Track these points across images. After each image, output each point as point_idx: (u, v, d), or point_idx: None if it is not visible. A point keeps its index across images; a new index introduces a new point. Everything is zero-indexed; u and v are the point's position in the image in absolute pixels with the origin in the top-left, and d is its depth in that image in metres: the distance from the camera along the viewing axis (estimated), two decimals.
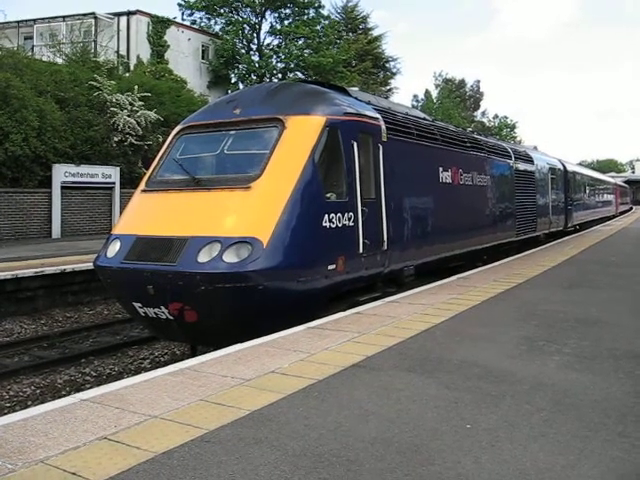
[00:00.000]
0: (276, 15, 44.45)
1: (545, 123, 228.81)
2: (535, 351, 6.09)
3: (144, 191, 9.24)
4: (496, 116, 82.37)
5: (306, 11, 44.21)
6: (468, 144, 14.36)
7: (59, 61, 29.05)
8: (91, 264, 9.25)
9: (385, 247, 9.73)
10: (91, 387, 7.81)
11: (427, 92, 72.51)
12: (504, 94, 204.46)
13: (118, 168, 24.25)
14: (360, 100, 10.38)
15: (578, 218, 28.32)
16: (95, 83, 24.72)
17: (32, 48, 34.53)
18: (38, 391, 8.91)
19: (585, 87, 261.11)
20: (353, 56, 48.92)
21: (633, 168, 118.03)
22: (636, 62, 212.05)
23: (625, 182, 71.68)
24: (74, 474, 3.34)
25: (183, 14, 44.01)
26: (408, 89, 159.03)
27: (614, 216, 46.00)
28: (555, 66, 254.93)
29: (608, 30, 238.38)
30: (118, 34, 35.57)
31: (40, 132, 21.11)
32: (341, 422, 4.15)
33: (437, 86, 73.80)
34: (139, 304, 8.23)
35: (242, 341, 6.42)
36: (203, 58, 40.99)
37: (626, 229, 29.20)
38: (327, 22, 46.19)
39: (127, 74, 31.80)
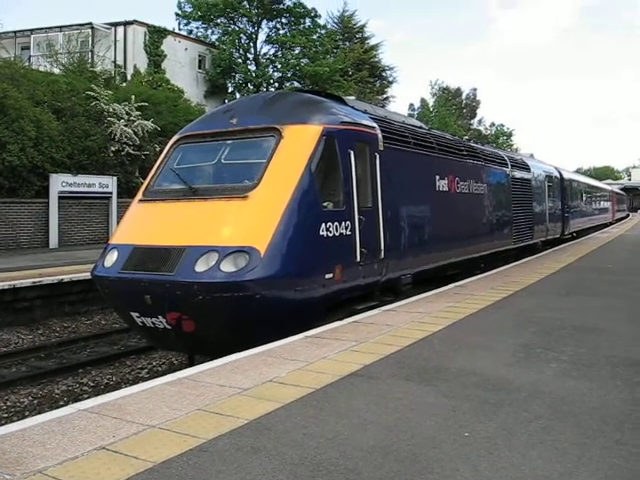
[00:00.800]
0: (272, 25, 44.61)
1: (542, 130, 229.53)
2: (532, 359, 6.09)
3: (141, 201, 9.25)
4: (493, 124, 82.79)
5: (302, 20, 44.35)
6: (465, 152, 14.40)
7: (56, 71, 29.08)
8: (88, 274, 9.26)
9: (382, 256, 9.74)
10: (89, 397, 7.79)
11: (423, 101, 72.78)
12: (501, 102, 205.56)
13: (115, 178, 24.26)
14: (357, 109, 10.41)
15: (575, 225, 28.38)
16: (92, 93, 24.75)
17: (29, 58, 34.57)
18: (36, 401, 8.88)
19: (582, 94, 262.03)
20: (349, 65, 49.08)
21: (630, 175, 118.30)
22: (634, 69, 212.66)
23: (622, 189, 71.99)
24: None
25: (180, 24, 44.23)
26: (405, 98, 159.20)
27: (611, 223, 46.13)
28: (552, 73, 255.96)
29: (606, 37, 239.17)
30: (115, 44, 35.65)
31: (37, 142, 21.13)
32: (339, 431, 4.15)
33: (434, 95, 74.00)
34: (137, 314, 8.23)
35: (240, 350, 6.42)
36: (200, 68, 41.07)
37: (623, 236, 29.26)
38: (323, 31, 46.35)
39: (124, 84, 31.84)
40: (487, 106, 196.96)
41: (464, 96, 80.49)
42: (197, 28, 44.62)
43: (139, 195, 9.42)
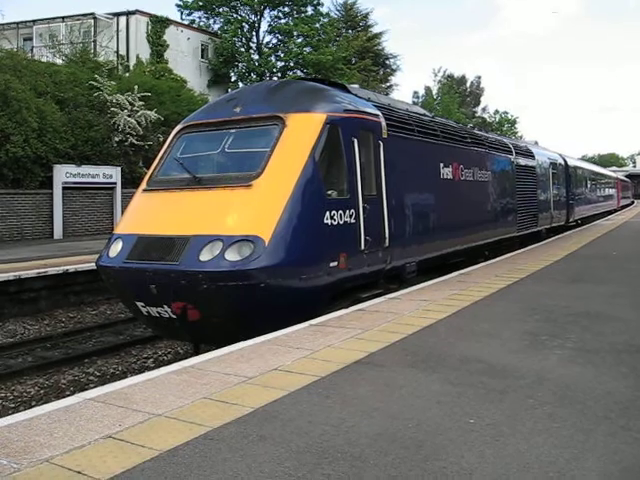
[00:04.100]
0: (275, 13, 44.41)
1: (547, 118, 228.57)
2: (538, 346, 6.09)
3: (145, 190, 9.25)
4: (497, 111, 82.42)
5: (304, 9, 44.15)
6: (469, 140, 14.35)
7: (59, 62, 29.04)
8: (93, 264, 9.27)
9: (387, 244, 9.73)
10: (95, 387, 7.82)
11: (427, 89, 72.51)
12: (506, 89, 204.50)
13: (119, 168, 24.27)
14: (360, 97, 10.38)
15: (580, 213, 28.30)
16: (95, 83, 24.73)
17: (31, 49, 34.51)
18: (42, 391, 8.93)
19: (588, 82, 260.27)
20: (353, 53, 48.90)
21: (634, 162, 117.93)
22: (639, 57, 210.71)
23: (626, 176, 71.78)
24: (79, 473, 3.35)
25: (182, 14, 44.06)
26: (409, 86, 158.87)
27: (615, 210, 45.97)
28: (558, 61, 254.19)
29: (612, 24, 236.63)
30: (117, 34, 35.54)
31: (41, 133, 21.13)
32: (345, 418, 4.16)
33: (439, 82, 73.67)
34: (142, 303, 8.25)
35: (245, 339, 6.44)
36: (203, 57, 40.94)
37: (628, 223, 29.17)
38: (326, 20, 46.13)
39: (127, 74, 31.78)
40: (492, 94, 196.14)
41: (468, 84, 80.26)
42: (199, 18, 44.56)
43: (143, 185, 9.42)
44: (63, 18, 35.74)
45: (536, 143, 27.32)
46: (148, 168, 11.02)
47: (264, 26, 44.61)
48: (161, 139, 23.79)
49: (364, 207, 9.12)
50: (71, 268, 13.69)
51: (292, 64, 43.85)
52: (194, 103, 28.12)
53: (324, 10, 46.53)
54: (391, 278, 10.31)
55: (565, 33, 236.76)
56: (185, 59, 38.61)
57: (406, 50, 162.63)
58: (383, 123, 10.13)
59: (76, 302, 13.97)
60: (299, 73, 43.23)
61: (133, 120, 24.85)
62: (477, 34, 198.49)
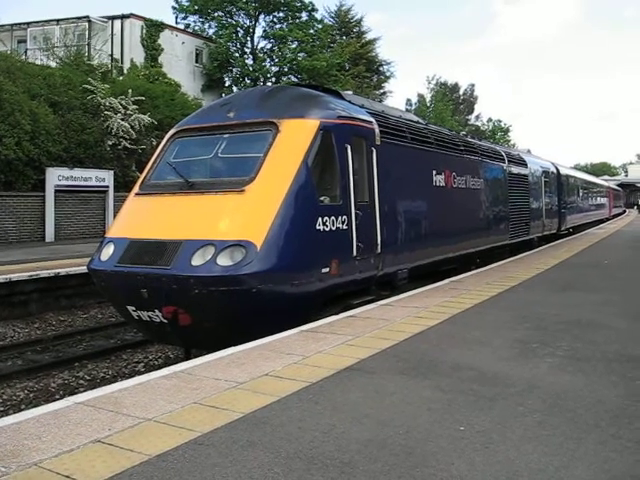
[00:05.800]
0: (269, 19, 44.49)
1: (541, 126, 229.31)
2: (528, 353, 6.10)
3: (138, 194, 9.23)
4: (490, 119, 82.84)
5: (299, 14, 44.24)
6: (462, 147, 14.40)
7: (53, 65, 29.00)
8: (85, 268, 9.25)
9: (379, 250, 9.74)
10: (85, 391, 7.78)
11: (420, 96, 72.71)
12: (503, 97, 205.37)
13: (112, 172, 24.22)
14: (354, 104, 10.40)
15: (571, 221, 28.40)
16: (89, 87, 24.71)
17: (25, 52, 34.43)
18: (32, 395, 8.87)
19: (581, 91, 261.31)
20: (347, 60, 48.98)
21: (626, 171, 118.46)
22: (634, 66, 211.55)
23: (618, 185, 72.20)
24: (68, 477, 3.34)
25: (177, 18, 44.09)
26: (404, 93, 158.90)
27: (607, 219, 46.18)
28: (552, 70, 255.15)
29: (612, 31, 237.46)
30: (112, 38, 35.46)
31: (33, 136, 21.07)
32: (335, 424, 4.16)
33: (432, 89, 73.87)
34: (133, 307, 8.22)
35: (236, 344, 6.42)
36: (197, 62, 40.96)
37: (619, 232, 29.30)
38: (321, 26, 46.24)
39: (121, 78, 31.74)
40: (488, 101, 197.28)
41: (461, 91, 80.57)
42: (194, 22, 44.60)
43: (136, 189, 9.41)
44: (58, 21, 35.66)
45: (529, 151, 27.45)
46: (141, 172, 11.00)
47: (259, 31, 44.78)
48: (154, 143, 23.76)
49: (356, 213, 9.13)
50: (62, 271, 13.64)
51: (286, 70, 43.91)
52: (188, 107, 28.11)
53: (318, 16, 46.72)
54: (383, 285, 10.31)
55: (564, 40, 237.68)
56: (179, 63, 38.62)
57: (401, 57, 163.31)
58: (376, 130, 10.15)
59: (67, 305, 13.91)
60: (293, 79, 43.28)
61: (126, 124, 24.83)
62: (474, 41, 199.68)
